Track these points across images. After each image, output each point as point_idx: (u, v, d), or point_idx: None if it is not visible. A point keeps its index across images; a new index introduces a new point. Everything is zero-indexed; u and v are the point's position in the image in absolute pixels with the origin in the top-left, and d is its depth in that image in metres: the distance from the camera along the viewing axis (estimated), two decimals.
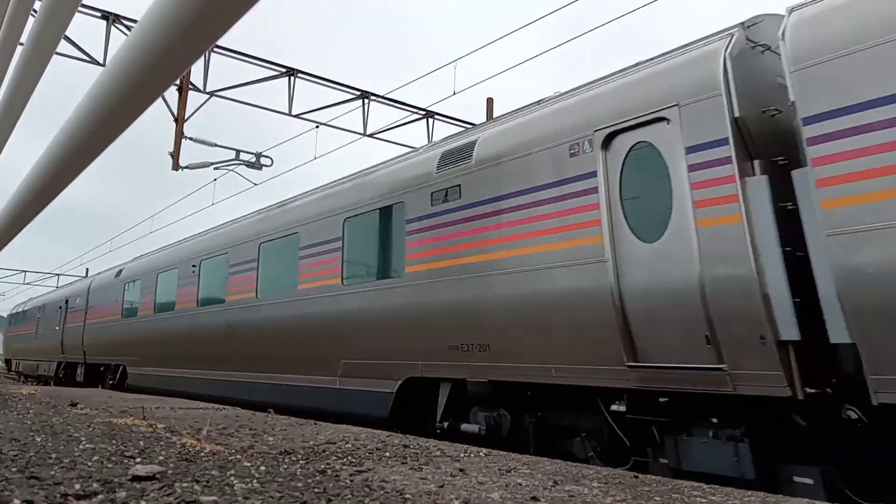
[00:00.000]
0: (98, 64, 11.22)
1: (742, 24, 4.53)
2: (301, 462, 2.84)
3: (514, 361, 5.44)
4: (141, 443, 3.16)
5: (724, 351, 4.11)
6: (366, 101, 13.69)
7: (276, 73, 12.76)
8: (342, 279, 7.59)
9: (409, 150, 8.04)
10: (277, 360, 8.60)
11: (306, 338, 8.04)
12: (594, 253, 4.94)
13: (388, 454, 3.23)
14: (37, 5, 1.26)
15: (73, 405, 5.74)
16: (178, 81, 9.18)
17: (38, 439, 3.09)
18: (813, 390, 3.81)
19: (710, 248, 4.21)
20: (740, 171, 4.09)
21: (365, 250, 7.46)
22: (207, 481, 2.16)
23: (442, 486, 2.37)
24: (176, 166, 11.74)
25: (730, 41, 4.39)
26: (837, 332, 3.71)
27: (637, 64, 5.22)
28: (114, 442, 3.14)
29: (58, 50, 1.39)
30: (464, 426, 5.88)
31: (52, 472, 2.15)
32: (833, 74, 3.74)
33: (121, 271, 15.12)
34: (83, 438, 3.22)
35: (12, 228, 1.64)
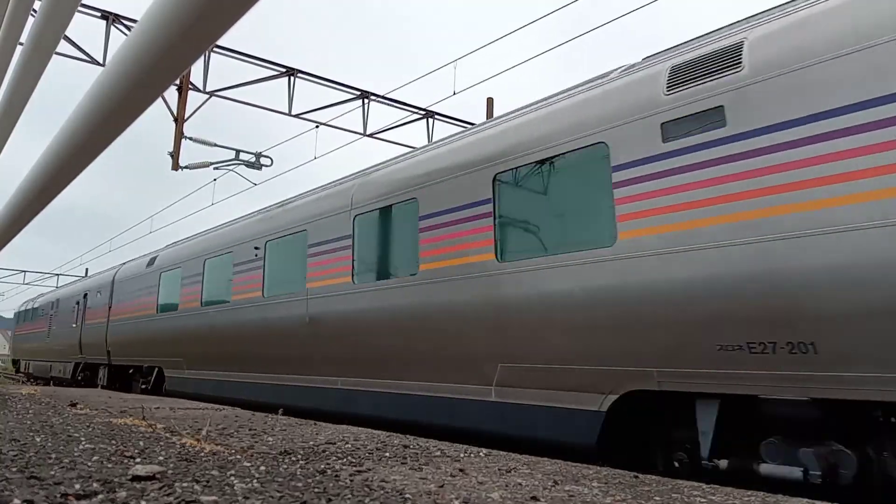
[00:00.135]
0: (98, 64, 11.22)
1: None
2: (301, 462, 2.84)
3: (874, 370, 3.41)
4: (141, 443, 3.16)
5: None
6: (366, 101, 13.69)
7: (276, 73, 12.76)
8: (496, 254, 5.49)
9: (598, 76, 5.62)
10: (386, 362, 6.57)
11: (438, 333, 5.92)
12: None
13: (388, 454, 3.23)
14: (37, 5, 1.26)
15: (73, 405, 5.74)
16: (178, 81, 9.19)
17: (38, 439, 3.09)
18: None
19: None
20: None
21: (537, 212, 5.37)
22: (207, 481, 2.16)
23: (442, 486, 2.37)
24: (176, 166, 11.74)
25: None
26: None
27: None
28: (114, 442, 3.14)
29: (58, 50, 1.39)
30: (769, 467, 3.82)
31: (52, 472, 2.15)
32: None
33: (154, 259, 12.85)
34: (83, 438, 3.22)
35: (12, 228, 1.64)
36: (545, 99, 5.89)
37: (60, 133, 1.01)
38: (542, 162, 5.34)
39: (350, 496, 2.07)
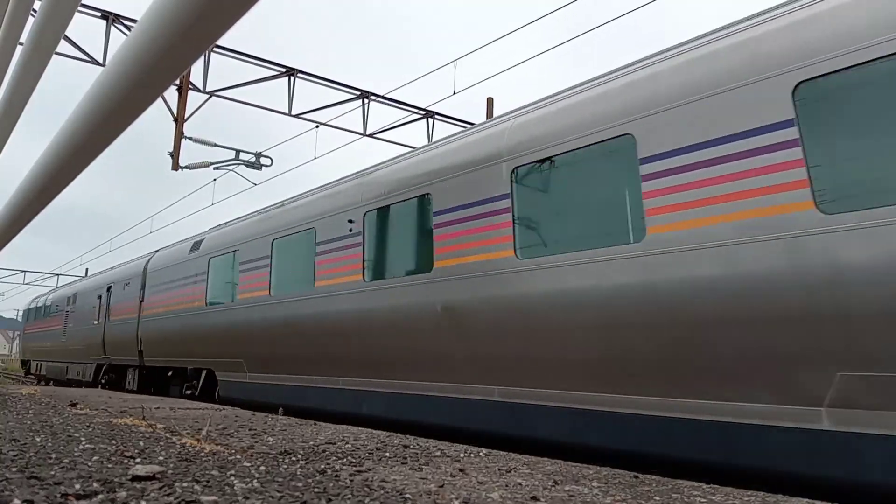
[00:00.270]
0: (98, 64, 11.22)
1: None
2: (301, 462, 2.84)
3: None
4: (141, 443, 3.16)
5: None
6: (366, 101, 13.69)
7: (276, 73, 12.76)
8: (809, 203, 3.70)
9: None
10: (583, 367, 4.71)
11: (696, 326, 4.07)
12: None
13: (388, 454, 3.23)
14: (37, 5, 1.26)
15: (73, 405, 5.74)
16: (178, 81, 9.18)
17: (38, 439, 3.09)
18: None
19: None
20: None
21: None
22: (207, 481, 2.16)
23: (442, 486, 2.37)
24: (176, 166, 11.74)
25: None
26: None
27: None
28: (114, 442, 3.14)
29: (58, 50, 1.39)
30: None
31: (52, 472, 2.15)
32: None
33: (199, 243, 10.96)
34: (83, 438, 3.22)
35: (12, 228, 1.64)
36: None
37: (60, 133, 1.01)
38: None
39: (350, 496, 2.07)
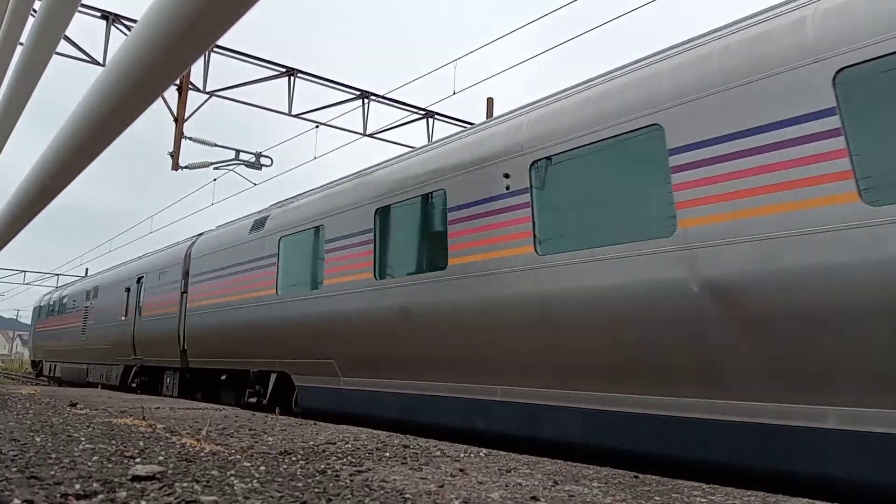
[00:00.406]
0: (98, 64, 11.23)
1: None
2: (301, 462, 2.84)
3: None
4: (141, 443, 3.16)
5: None
6: (366, 100, 13.70)
7: (276, 73, 12.77)
8: None
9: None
10: None
11: None
12: None
13: (388, 454, 3.23)
14: (37, 5, 1.26)
15: (73, 405, 5.74)
16: (178, 81, 9.18)
17: (38, 439, 3.09)
18: None
19: None
20: None
21: None
22: (207, 481, 2.16)
23: (442, 486, 2.37)
24: (176, 166, 11.74)
25: None
26: None
27: None
28: (114, 442, 3.14)
29: (58, 50, 1.39)
30: None
31: (52, 472, 2.15)
32: None
33: (264, 220, 9.12)
34: (83, 438, 3.22)
35: (13, 228, 1.64)
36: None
37: (60, 133, 1.01)
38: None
39: (350, 496, 2.07)
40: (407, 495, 2.15)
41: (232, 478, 2.26)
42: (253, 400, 8.68)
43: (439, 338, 5.87)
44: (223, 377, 9.77)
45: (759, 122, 3.95)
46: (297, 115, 13.12)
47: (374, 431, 4.58)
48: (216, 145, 13.14)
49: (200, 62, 11.90)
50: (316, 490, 2.14)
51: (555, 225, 5.13)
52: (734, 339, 3.92)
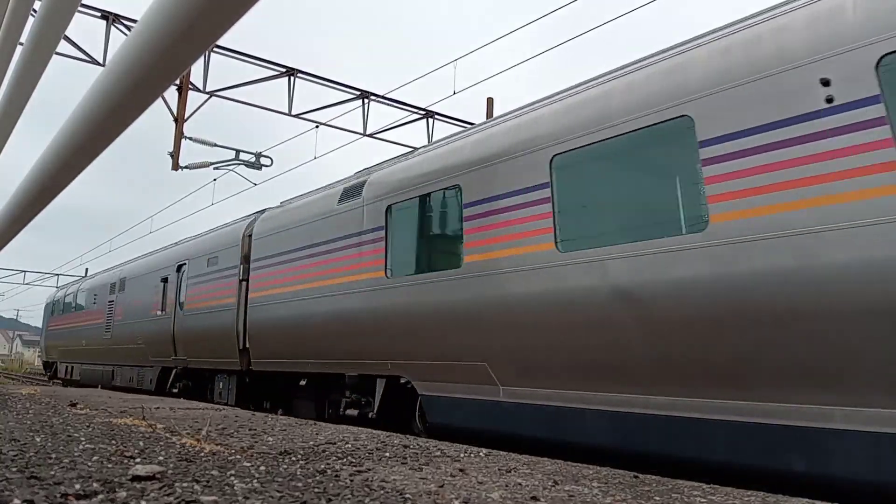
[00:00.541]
0: (98, 64, 11.23)
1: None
2: (301, 462, 2.84)
3: None
4: (141, 443, 3.16)
5: None
6: (366, 100, 13.71)
7: (276, 73, 12.77)
8: None
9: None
10: None
11: None
12: None
13: (387, 454, 3.23)
14: (37, 5, 1.26)
15: (73, 405, 5.74)
16: (178, 81, 9.18)
17: (38, 439, 3.09)
18: None
19: None
20: None
21: None
22: (207, 481, 2.16)
23: (442, 486, 2.37)
24: (176, 166, 11.75)
25: None
26: None
27: None
28: (114, 442, 3.14)
29: (58, 50, 1.39)
30: None
31: (52, 472, 2.15)
32: None
33: (359, 186, 7.39)
34: (83, 438, 3.22)
35: (13, 228, 1.64)
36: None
37: (60, 133, 1.01)
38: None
39: (350, 496, 2.07)
40: (407, 495, 2.15)
41: (232, 478, 2.26)
42: (352, 412, 6.98)
43: (705, 332, 4.07)
44: (302, 382, 8.07)
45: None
46: (297, 115, 13.13)
47: (374, 431, 4.58)
48: (216, 145, 13.15)
49: (200, 62, 11.91)
50: (316, 490, 2.14)
51: None
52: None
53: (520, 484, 2.51)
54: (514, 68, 11.56)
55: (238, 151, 13.56)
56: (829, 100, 3.64)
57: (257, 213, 10.02)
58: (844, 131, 3.58)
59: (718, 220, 4.03)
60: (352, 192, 7.52)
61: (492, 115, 13.40)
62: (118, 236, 74.23)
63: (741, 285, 3.89)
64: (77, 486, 1.93)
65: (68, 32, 4.84)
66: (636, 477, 2.83)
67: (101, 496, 1.83)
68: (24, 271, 40.20)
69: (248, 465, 2.60)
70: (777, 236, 3.74)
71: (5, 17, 1.49)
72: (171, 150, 11.70)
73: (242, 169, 13.70)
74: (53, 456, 2.55)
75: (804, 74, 3.80)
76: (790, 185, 3.74)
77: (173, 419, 4.86)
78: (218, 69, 12.67)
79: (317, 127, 13.65)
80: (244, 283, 9.26)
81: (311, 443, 3.62)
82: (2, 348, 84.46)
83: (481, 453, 3.45)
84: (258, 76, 12.65)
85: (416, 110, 14.54)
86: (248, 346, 8.98)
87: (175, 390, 11.11)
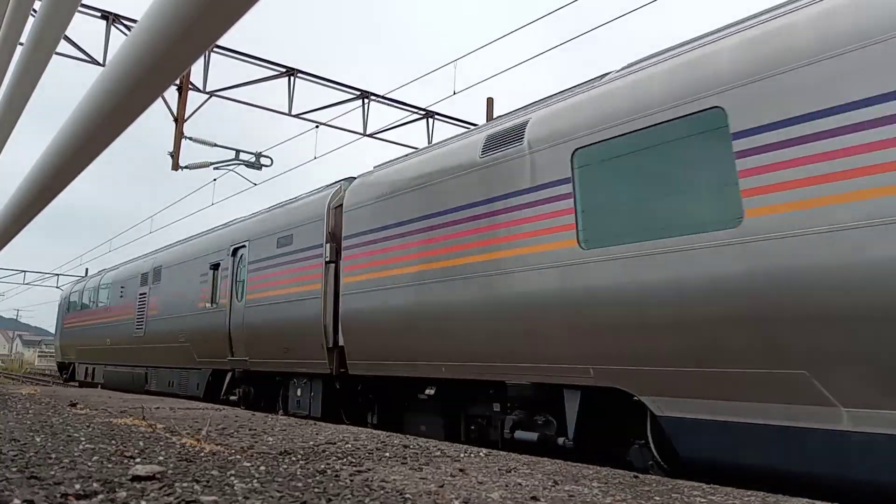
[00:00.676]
0: (98, 64, 11.23)
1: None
2: (301, 462, 2.84)
3: None
4: (141, 443, 3.16)
5: None
6: (366, 100, 13.70)
7: (276, 73, 12.76)
8: None
9: None
10: None
11: None
12: None
13: (387, 454, 3.23)
14: (37, 5, 1.26)
15: (73, 405, 5.74)
16: (178, 81, 9.17)
17: (38, 439, 3.09)
18: None
19: None
20: None
21: None
22: (207, 481, 2.16)
23: (442, 486, 2.37)
24: (176, 166, 11.74)
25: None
26: None
27: None
28: (113, 442, 3.14)
29: (58, 50, 1.39)
30: None
31: (52, 472, 2.15)
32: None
33: (519, 129, 5.75)
34: (83, 438, 3.22)
35: (13, 228, 1.64)
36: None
37: (60, 133, 1.01)
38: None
39: (350, 496, 2.07)
40: (407, 495, 2.15)
41: (232, 478, 2.26)
42: (527, 435, 5.24)
43: None
44: (429, 391, 6.32)
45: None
46: (297, 115, 13.12)
47: (374, 431, 4.57)
48: (216, 145, 13.14)
49: (200, 62, 11.91)
50: (316, 490, 2.14)
51: None
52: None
53: (520, 484, 2.51)
54: (514, 68, 11.56)
55: (238, 151, 13.55)
56: None
57: (344, 179, 8.23)
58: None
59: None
60: (507, 138, 5.76)
61: (492, 116, 13.40)
62: (118, 236, 74.20)
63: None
64: (77, 486, 1.93)
65: (68, 32, 4.84)
66: (636, 477, 2.83)
67: (101, 496, 1.83)
68: (24, 271, 40.21)
69: (248, 465, 2.60)
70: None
71: (5, 17, 1.49)
72: (171, 150, 11.69)
73: (242, 169, 13.69)
74: (53, 456, 2.55)
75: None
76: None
77: (173, 419, 4.86)
78: (218, 69, 12.70)
79: (317, 127, 13.65)
80: (331, 265, 7.63)
81: (311, 443, 3.62)
82: (2, 348, 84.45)
83: (481, 453, 3.45)
84: (258, 76, 12.65)
85: (416, 110, 14.53)
86: (340, 343, 7.34)
87: (233, 397, 9.41)
